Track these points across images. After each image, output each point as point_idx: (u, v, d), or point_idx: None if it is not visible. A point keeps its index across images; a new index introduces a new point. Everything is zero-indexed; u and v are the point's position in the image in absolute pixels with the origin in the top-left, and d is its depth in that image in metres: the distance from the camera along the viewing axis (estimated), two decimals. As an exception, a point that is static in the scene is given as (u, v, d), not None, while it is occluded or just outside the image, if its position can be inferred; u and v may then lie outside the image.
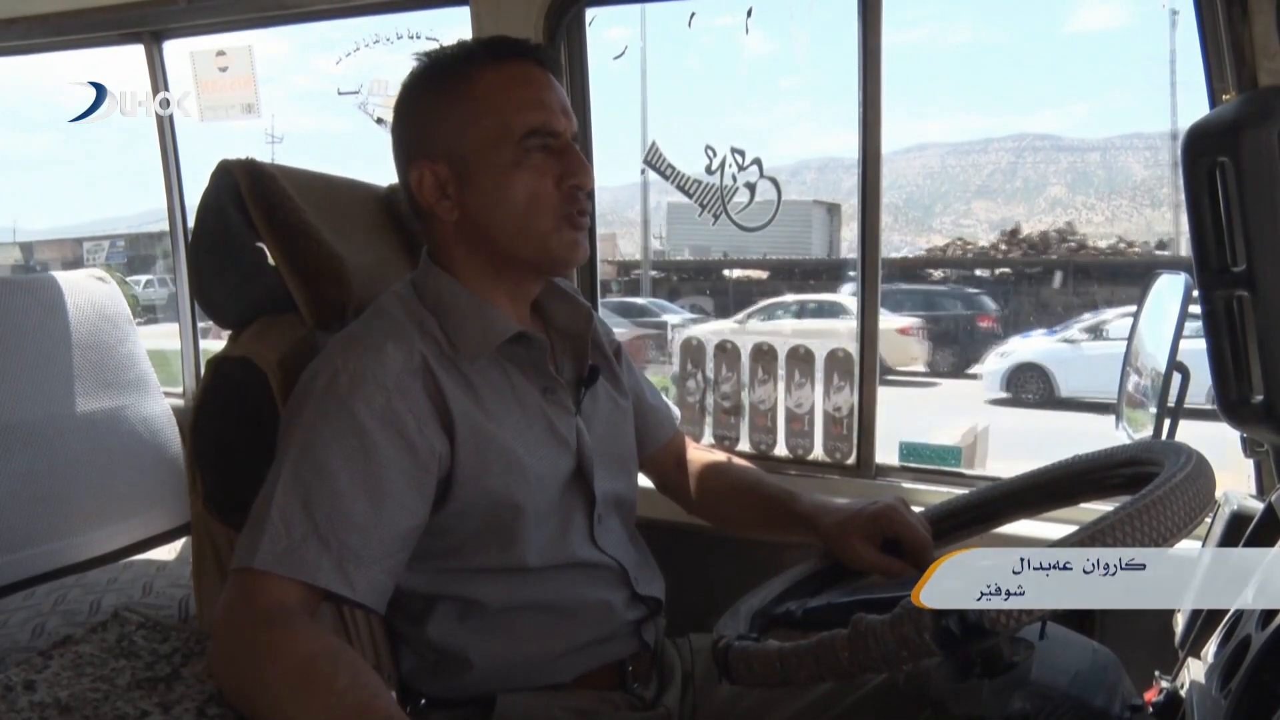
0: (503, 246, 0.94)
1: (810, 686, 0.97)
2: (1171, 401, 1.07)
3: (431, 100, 0.94)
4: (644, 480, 1.17)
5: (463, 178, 0.92)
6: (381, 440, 0.85)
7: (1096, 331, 8.25)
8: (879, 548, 0.98)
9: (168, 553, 1.95)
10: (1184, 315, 1.06)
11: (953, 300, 8.98)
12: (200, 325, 2.21)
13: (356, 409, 0.85)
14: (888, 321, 7.68)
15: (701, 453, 1.25)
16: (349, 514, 0.83)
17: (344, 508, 0.82)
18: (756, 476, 1.19)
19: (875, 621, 0.62)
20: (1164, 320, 1.10)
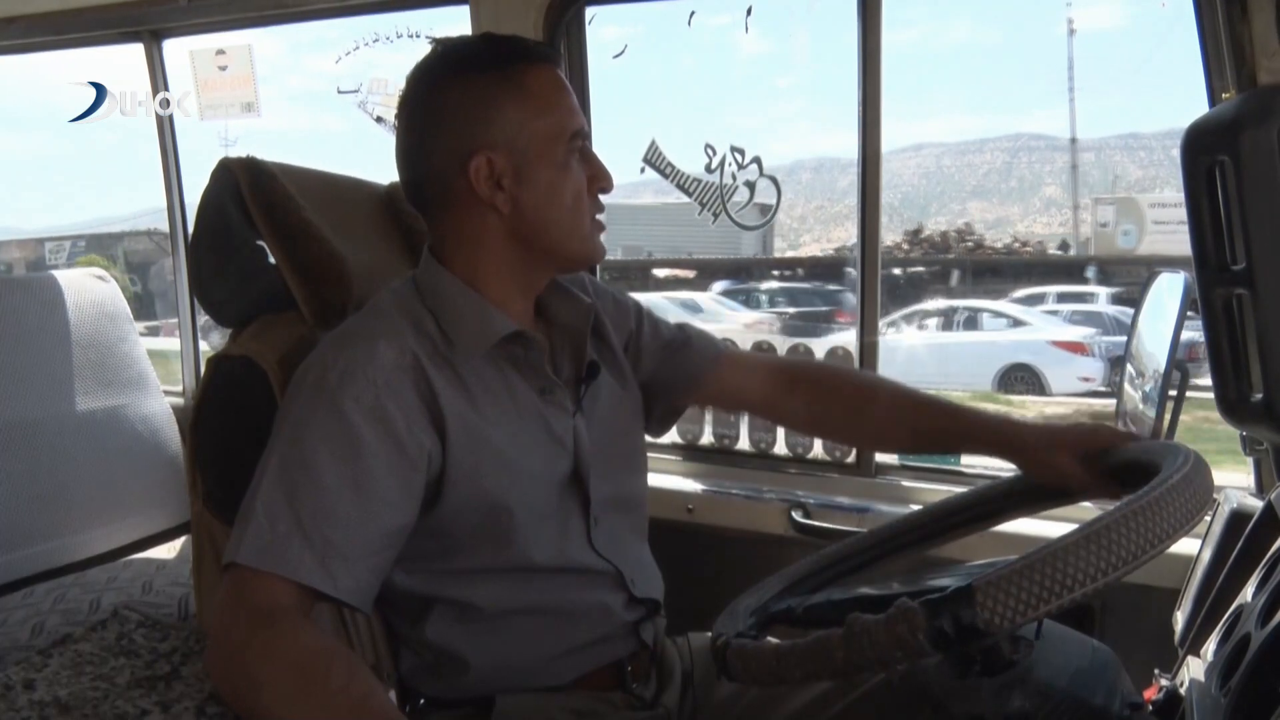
0: (551, 241, 0.95)
1: (809, 685, 0.97)
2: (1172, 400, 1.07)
3: (487, 90, 0.92)
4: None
5: (519, 171, 0.92)
6: (369, 437, 0.85)
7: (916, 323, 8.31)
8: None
9: (167, 551, 1.95)
10: (1183, 314, 1.06)
11: (815, 297, 9.27)
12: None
13: (345, 405, 0.85)
14: (742, 317, 7.87)
15: (804, 363, 1.19)
16: (333, 510, 0.82)
17: (328, 504, 0.82)
18: (903, 389, 1.11)
19: (870, 621, 0.62)
20: (1163, 319, 1.10)
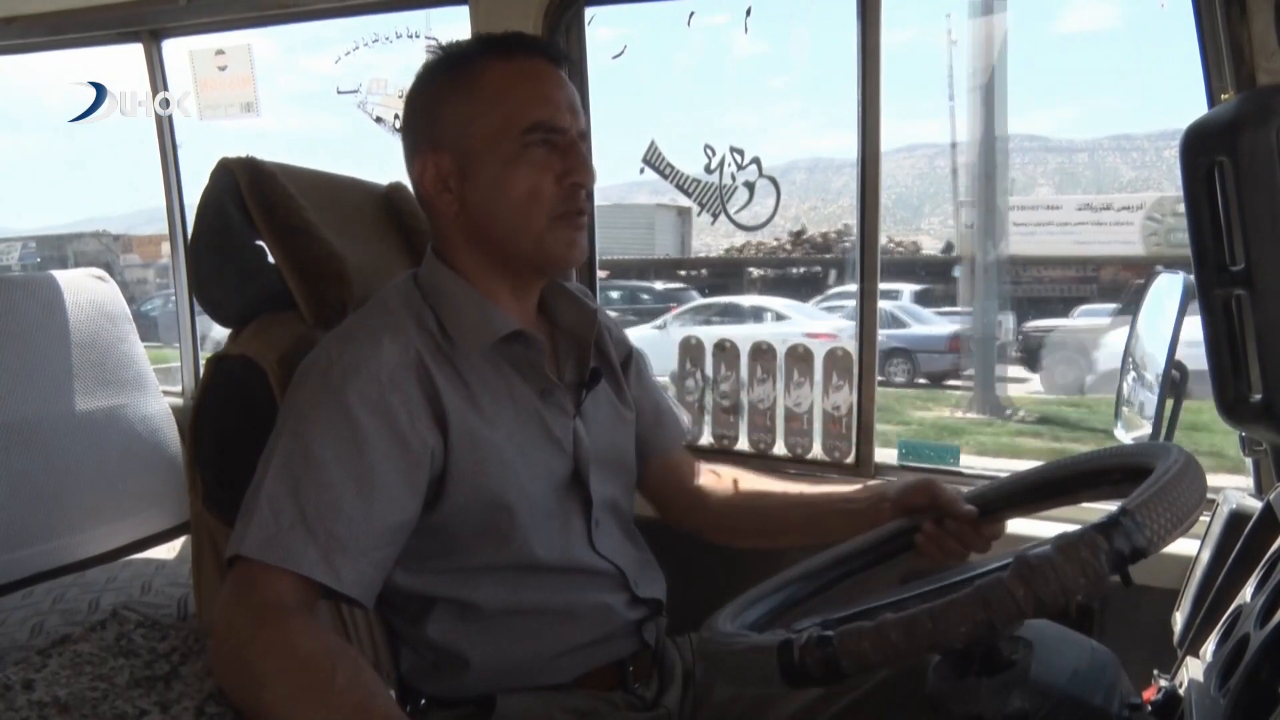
0: (500, 241, 0.94)
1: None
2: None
3: (438, 92, 0.94)
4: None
5: (464, 171, 0.92)
6: (373, 432, 0.85)
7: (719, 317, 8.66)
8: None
9: (167, 551, 1.95)
10: (1182, 314, 1.06)
11: (654, 295, 9.63)
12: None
13: (349, 401, 0.85)
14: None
15: (711, 475, 1.18)
16: (337, 504, 0.82)
17: (333, 498, 0.82)
18: (791, 488, 1.14)
19: (1044, 553, 0.63)
20: (1162, 319, 1.10)
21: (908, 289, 8.84)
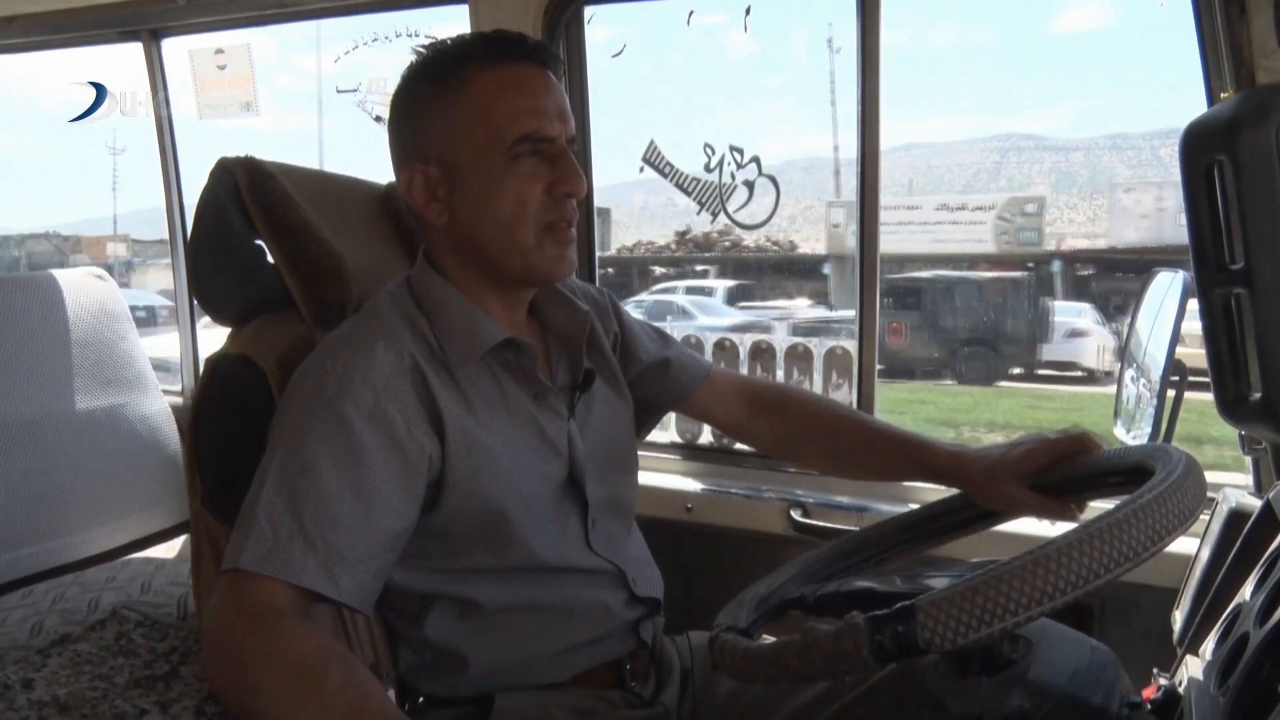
0: (488, 255, 0.93)
1: (808, 684, 0.97)
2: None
3: (425, 101, 0.93)
4: (643, 478, 1.17)
5: (452, 182, 0.91)
6: (369, 441, 0.85)
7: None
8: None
9: (166, 551, 1.95)
10: (1182, 313, 1.06)
11: None
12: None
13: (345, 409, 0.85)
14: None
15: (770, 387, 1.22)
16: (335, 514, 0.82)
17: (330, 508, 0.82)
18: (860, 416, 1.17)
19: (820, 633, 0.65)
20: (1162, 318, 1.10)
21: (722, 285, 9.04)
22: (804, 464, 1.22)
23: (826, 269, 8.83)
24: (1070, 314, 8.36)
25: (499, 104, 0.89)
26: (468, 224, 0.92)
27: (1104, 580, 0.61)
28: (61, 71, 2.15)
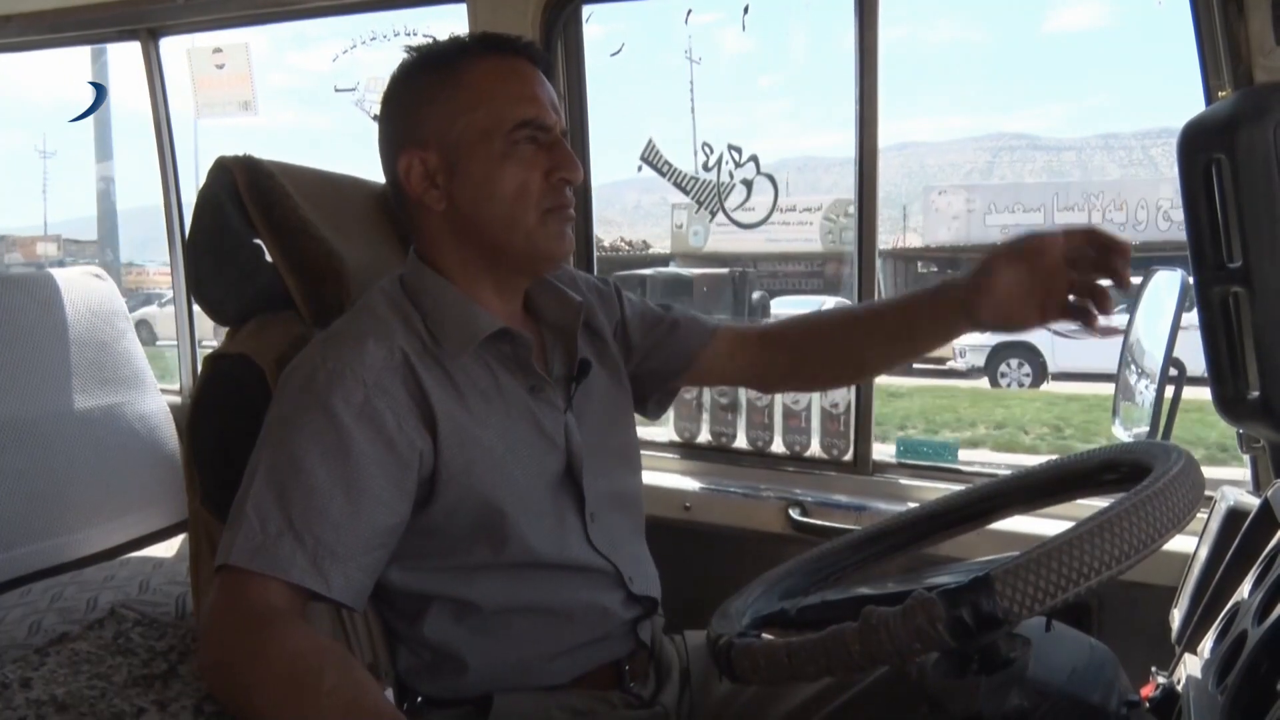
0: (490, 237, 0.94)
1: (808, 683, 0.97)
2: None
3: (423, 89, 0.93)
4: (642, 476, 1.17)
5: (452, 167, 0.92)
6: (359, 436, 0.85)
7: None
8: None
9: (165, 550, 1.95)
10: (1180, 311, 1.06)
11: None
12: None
13: (334, 405, 0.85)
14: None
15: (776, 322, 1.18)
16: (324, 510, 0.82)
17: (319, 504, 0.82)
18: (860, 304, 1.17)
19: (887, 613, 0.62)
20: (1160, 316, 1.10)
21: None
22: (829, 379, 1.19)
23: (673, 266, 9.32)
24: (811, 306, 8.78)
25: (498, 89, 0.91)
26: (468, 208, 0.93)
27: (1172, 534, 0.61)
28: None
